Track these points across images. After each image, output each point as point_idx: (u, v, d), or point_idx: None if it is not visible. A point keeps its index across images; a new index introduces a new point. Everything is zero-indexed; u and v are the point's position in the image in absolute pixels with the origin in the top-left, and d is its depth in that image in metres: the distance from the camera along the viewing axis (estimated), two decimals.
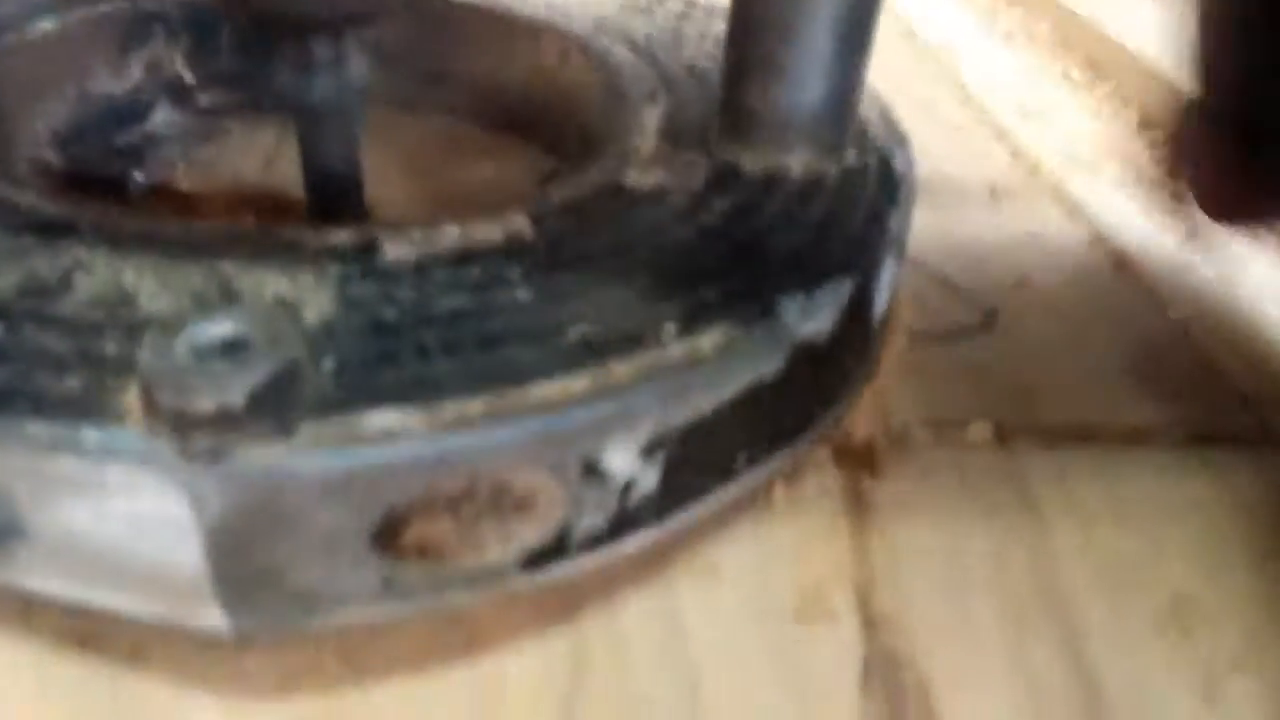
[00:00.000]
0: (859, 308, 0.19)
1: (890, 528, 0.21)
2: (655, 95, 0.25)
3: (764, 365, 0.18)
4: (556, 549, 0.16)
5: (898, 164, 0.23)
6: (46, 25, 0.25)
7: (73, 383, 0.14)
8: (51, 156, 0.24)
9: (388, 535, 0.15)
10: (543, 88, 0.29)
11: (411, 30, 0.30)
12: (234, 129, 0.28)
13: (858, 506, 0.22)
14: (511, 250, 0.19)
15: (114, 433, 0.14)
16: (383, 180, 0.27)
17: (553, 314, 0.17)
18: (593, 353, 0.16)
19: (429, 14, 0.30)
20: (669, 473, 0.17)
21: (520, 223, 0.19)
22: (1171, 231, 0.33)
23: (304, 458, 0.14)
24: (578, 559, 0.17)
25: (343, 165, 0.25)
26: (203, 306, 0.16)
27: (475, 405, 0.15)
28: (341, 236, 0.18)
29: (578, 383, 0.16)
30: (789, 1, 0.20)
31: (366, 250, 0.18)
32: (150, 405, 0.14)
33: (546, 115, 0.28)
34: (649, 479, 0.17)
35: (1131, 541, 0.22)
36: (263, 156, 0.27)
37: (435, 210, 0.27)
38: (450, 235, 0.19)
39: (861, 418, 0.24)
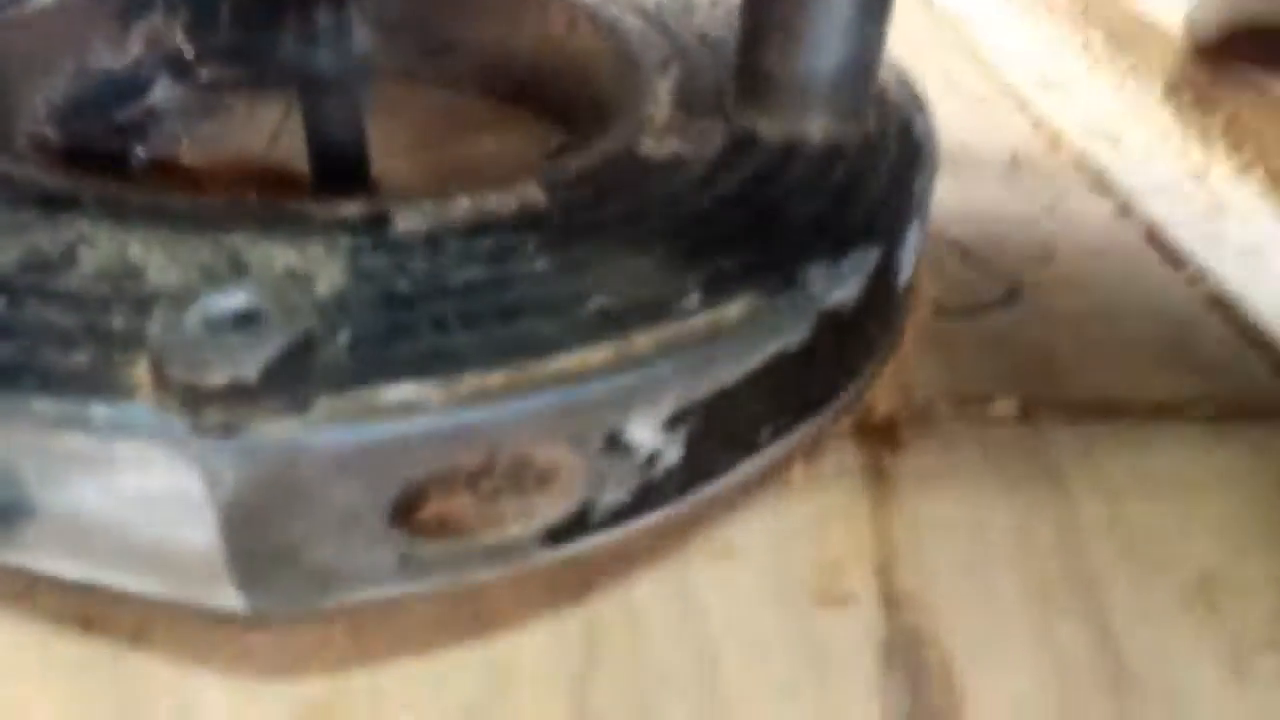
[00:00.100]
0: (884, 275, 0.19)
1: (911, 504, 0.21)
2: (667, 63, 0.24)
3: (789, 335, 0.17)
4: (578, 524, 0.16)
5: (918, 129, 0.22)
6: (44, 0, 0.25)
7: (80, 358, 0.14)
8: (51, 132, 0.23)
9: (405, 511, 0.15)
10: (551, 57, 0.28)
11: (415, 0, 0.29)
12: (237, 105, 0.27)
13: (878, 483, 0.22)
14: (526, 220, 0.18)
15: (124, 408, 0.13)
16: (389, 153, 0.26)
17: (571, 284, 0.16)
18: (613, 323, 0.16)
19: None
20: (692, 446, 0.17)
21: (534, 193, 0.19)
22: (1200, 202, 0.32)
23: (320, 432, 0.13)
24: (600, 534, 0.16)
25: (348, 137, 0.24)
26: (212, 279, 0.15)
27: (495, 378, 0.14)
28: (351, 209, 0.18)
29: (599, 354, 0.15)
30: None
31: (377, 222, 0.17)
32: (161, 379, 0.13)
33: (555, 85, 0.28)
34: (672, 452, 0.16)
35: (1159, 517, 0.21)
36: (266, 132, 0.27)
37: (444, 183, 0.26)
38: (462, 206, 0.18)
39: (882, 393, 0.23)
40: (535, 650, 0.17)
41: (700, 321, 0.16)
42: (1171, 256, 0.30)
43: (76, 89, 0.25)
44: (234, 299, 0.14)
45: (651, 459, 0.16)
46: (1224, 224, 0.31)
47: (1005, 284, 0.27)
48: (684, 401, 0.16)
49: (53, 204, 0.17)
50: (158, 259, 0.16)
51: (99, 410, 0.13)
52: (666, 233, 0.18)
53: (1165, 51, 0.40)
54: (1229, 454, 0.23)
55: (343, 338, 0.15)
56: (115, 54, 0.26)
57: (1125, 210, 0.32)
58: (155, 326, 0.13)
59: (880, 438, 0.23)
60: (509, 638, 0.18)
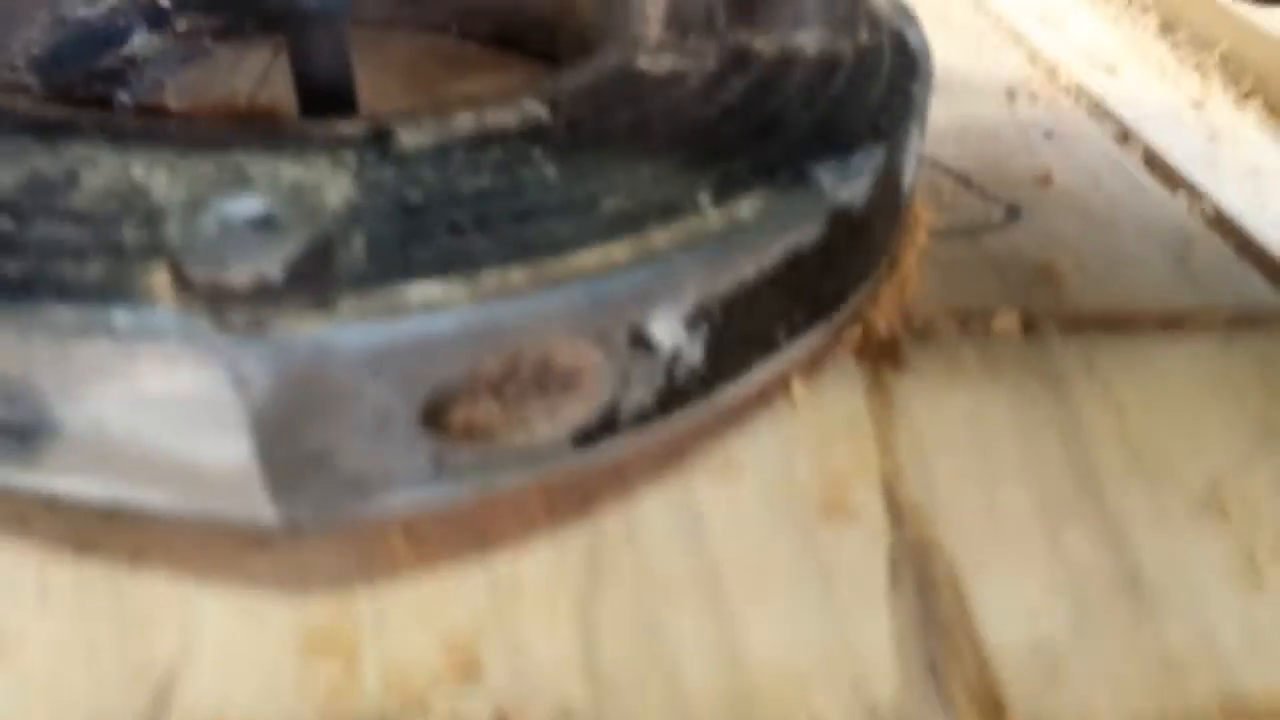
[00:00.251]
0: (890, 176, 0.19)
1: (916, 419, 0.21)
2: None
3: (803, 232, 0.17)
4: (605, 426, 0.16)
5: (912, 40, 0.22)
6: None
7: (95, 267, 0.13)
8: (30, 81, 0.23)
9: (436, 415, 0.15)
10: None
11: None
12: (219, 52, 0.27)
13: (881, 400, 0.22)
14: (530, 133, 0.18)
15: (146, 311, 0.13)
16: (377, 98, 0.26)
17: (583, 188, 0.16)
18: (629, 222, 0.16)
19: None
20: (713, 345, 0.17)
21: (535, 107, 0.19)
22: (1198, 130, 0.32)
23: (348, 330, 0.13)
24: (627, 436, 0.16)
25: (334, 75, 0.24)
26: (221, 192, 0.15)
27: (516, 274, 0.14)
28: (352, 126, 0.18)
29: (619, 250, 0.15)
30: None
31: (380, 137, 0.17)
32: (182, 281, 0.13)
33: (539, 20, 0.28)
34: (694, 351, 0.16)
35: (1166, 426, 0.21)
36: (251, 78, 0.26)
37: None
38: (465, 121, 0.18)
39: (883, 311, 0.23)
40: (539, 569, 0.17)
41: (716, 218, 0.16)
42: (1170, 179, 0.30)
43: (54, 39, 0.24)
44: (248, 204, 0.14)
45: (674, 359, 0.16)
46: (1223, 149, 0.32)
47: (1004, 207, 0.28)
48: (704, 298, 0.16)
49: (50, 131, 0.16)
50: (161, 177, 0.15)
51: (120, 315, 0.13)
52: (673, 140, 0.18)
53: None
54: (1234, 365, 0.23)
55: (359, 243, 0.14)
56: (90, 3, 0.25)
57: (1124, 137, 0.32)
58: (173, 227, 0.13)
59: (883, 356, 0.23)
60: (512, 558, 0.17)
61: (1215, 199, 0.29)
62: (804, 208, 0.17)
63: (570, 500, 0.18)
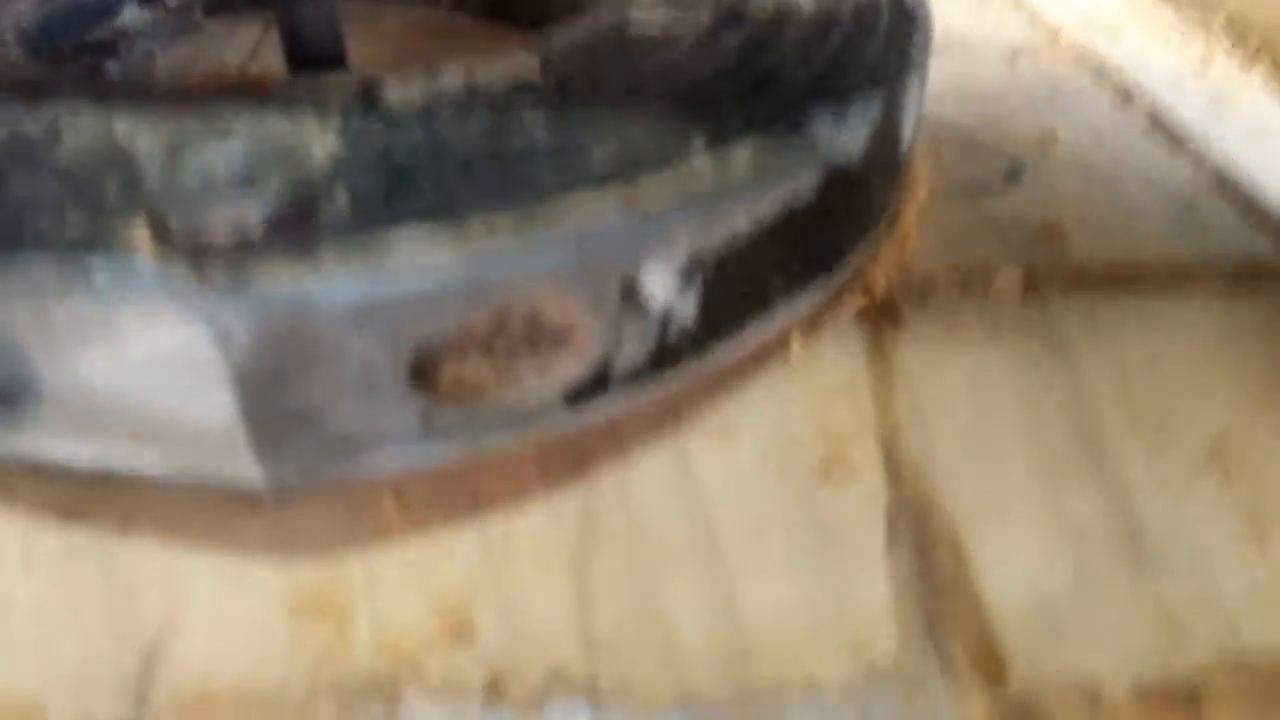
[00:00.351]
0: (888, 130, 0.19)
1: (915, 378, 0.21)
2: None
3: (798, 183, 0.17)
4: (597, 384, 0.16)
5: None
6: None
7: (75, 221, 0.13)
8: (20, 55, 0.22)
9: (424, 372, 0.14)
10: None
11: None
12: (210, 26, 0.27)
13: (880, 359, 0.21)
14: (520, 88, 0.18)
15: (125, 265, 0.13)
16: (370, 70, 0.25)
17: (573, 140, 0.16)
18: (619, 171, 0.15)
19: None
20: (707, 301, 0.16)
21: (526, 61, 0.18)
22: (1202, 92, 0.32)
23: (330, 281, 0.13)
24: (620, 395, 0.16)
25: (326, 49, 0.23)
26: (203, 143, 0.15)
27: (502, 220, 0.14)
28: (339, 83, 0.17)
29: (608, 198, 0.15)
30: None
31: (367, 93, 0.17)
32: (162, 234, 0.13)
33: None
34: (687, 308, 0.16)
35: (1169, 385, 0.21)
36: (242, 53, 0.26)
37: None
38: (454, 77, 0.18)
39: (882, 270, 0.23)
40: (532, 531, 0.17)
41: (706, 166, 0.16)
42: (1174, 140, 0.29)
43: (44, 13, 0.24)
44: (230, 158, 0.13)
45: (667, 314, 0.16)
46: (1227, 111, 0.31)
47: (1005, 166, 0.27)
48: (696, 251, 0.16)
49: (30, 90, 0.16)
50: (144, 133, 0.15)
51: (100, 268, 0.13)
52: (665, 96, 0.18)
53: None
54: (1237, 323, 0.23)
55: (342, 195, 0.14)
56: None
57: (1127, 98, 0.31)
58: (152, 180, 0.13)
59: (881, 315, 0.22)
60: (506, 521, 0.17)
61: (1220, 159, 0.28)
62: (799, 158, 0.17)
63: (564, 462, 0.18)
